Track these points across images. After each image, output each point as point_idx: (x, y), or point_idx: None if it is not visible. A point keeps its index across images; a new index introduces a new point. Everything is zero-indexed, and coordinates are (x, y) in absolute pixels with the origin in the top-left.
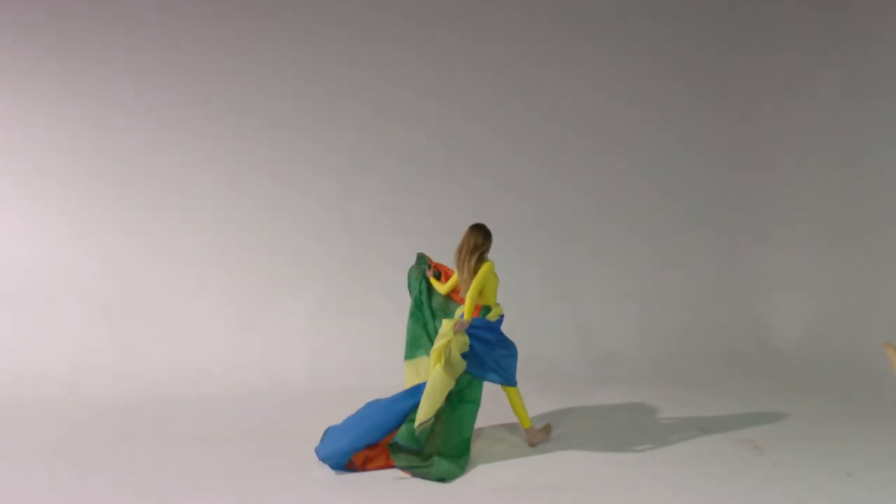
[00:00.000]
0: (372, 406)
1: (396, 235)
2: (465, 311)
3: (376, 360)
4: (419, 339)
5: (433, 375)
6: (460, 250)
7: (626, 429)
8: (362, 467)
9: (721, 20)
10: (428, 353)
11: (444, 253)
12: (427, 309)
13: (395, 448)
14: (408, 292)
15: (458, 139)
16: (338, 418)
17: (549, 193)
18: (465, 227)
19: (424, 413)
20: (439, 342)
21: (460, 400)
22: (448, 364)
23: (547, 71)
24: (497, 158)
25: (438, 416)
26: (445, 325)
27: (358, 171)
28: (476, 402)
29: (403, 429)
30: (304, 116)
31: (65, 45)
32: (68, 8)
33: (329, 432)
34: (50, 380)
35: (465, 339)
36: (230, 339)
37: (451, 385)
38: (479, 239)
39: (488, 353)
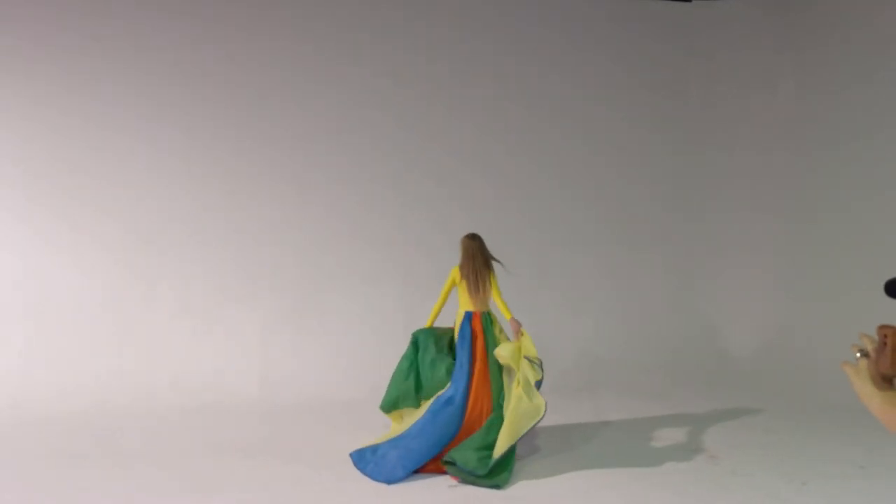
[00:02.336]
0: (418, 429)
1: (353, 248)
2: (504, 312)
3: (330, 374)
4: (408, 394)
5: (516, 403)
6: (473, 259)
7: (580, 439)
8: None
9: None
10: (412, 406)
11: (406, 264)
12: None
13: (449, 464)
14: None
15: (417, 153)
16: (292, 432)
17: (506, 205)
18: (423, 238)
19: (506, 442)
20: (517, 364)
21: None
22: (527, 387)
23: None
24: (454, 171)
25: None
26: (506, 349)
27: (314, 182)
28: None
29: (472, 455)
30: (260, 124)
31: (11, 47)
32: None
33: (376, 456)
34: None
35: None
36: (181, 352)
37: (537, 416)
38: (486, 250)
39: None
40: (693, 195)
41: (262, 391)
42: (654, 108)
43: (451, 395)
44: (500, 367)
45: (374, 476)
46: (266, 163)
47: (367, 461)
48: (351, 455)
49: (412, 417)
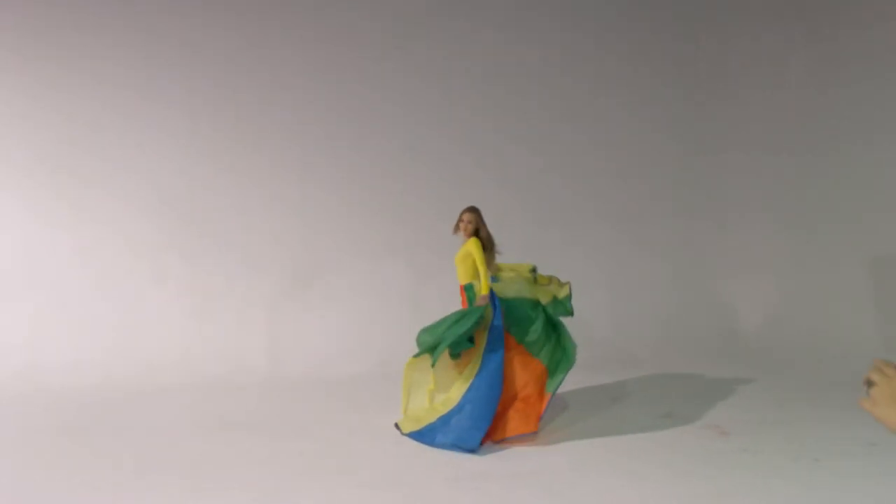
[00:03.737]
0: (473, 394)
1: (357, 224)
2: (484, 285)
3: (337, 348)
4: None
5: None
6: (485, 228)
7: (587, 415)
8: (497, 440)
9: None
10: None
11: (410, 240)
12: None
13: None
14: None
15: (415, 130)
16: (300, 407)
17: (513, 181)
18: (427, 215)
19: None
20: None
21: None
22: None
23: (508, 57)
24: (455, 149)
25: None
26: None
27: (320, 159)
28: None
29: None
30: (262, 103)
31: (14, 26)
32: None
33: (435, 431)
34: (1, 367)
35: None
36: (188, 328)
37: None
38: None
39: None
40: (700, 168)
41: (269, 366)
42: (660, 83)
43: (491, 353)
44: (525, 331)
45: (453, 447)
46: (272, 140)
47: (429, 436)
48: (409, 436)
49: (426, 379)
